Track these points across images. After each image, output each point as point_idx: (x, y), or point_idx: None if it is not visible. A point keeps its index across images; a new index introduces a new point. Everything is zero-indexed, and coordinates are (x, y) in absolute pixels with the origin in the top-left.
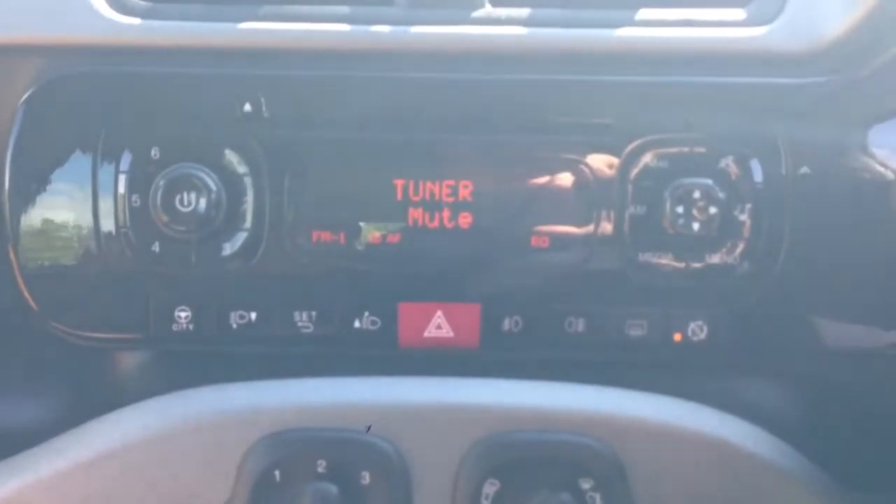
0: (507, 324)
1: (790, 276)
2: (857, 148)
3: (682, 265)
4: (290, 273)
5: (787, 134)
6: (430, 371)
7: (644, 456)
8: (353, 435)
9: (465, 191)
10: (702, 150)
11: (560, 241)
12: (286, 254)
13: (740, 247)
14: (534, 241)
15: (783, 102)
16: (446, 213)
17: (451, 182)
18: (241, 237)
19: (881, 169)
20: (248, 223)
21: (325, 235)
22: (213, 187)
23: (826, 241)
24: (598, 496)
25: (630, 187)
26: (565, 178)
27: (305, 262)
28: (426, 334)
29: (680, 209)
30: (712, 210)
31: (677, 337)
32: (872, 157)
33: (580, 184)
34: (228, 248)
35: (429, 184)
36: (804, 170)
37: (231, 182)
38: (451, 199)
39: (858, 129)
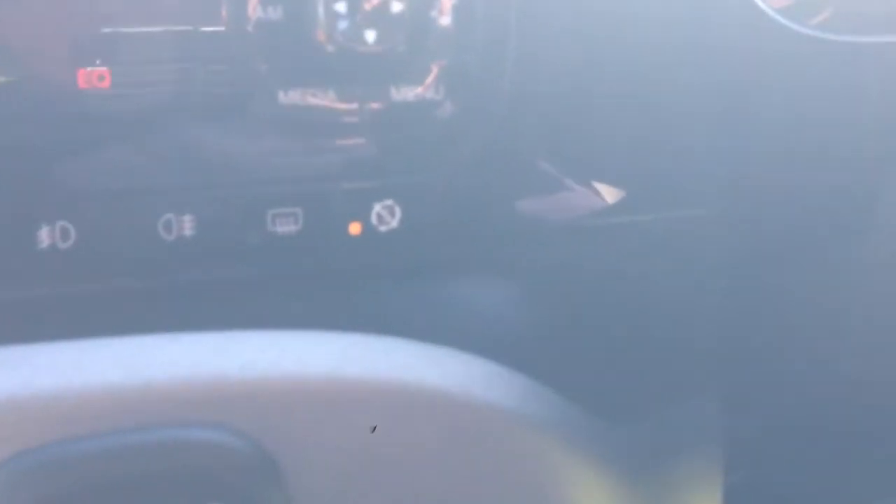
0: (45, 236)
1: (519, 115)
2: None
3: (352, 106)
4: None
5: None
6: None
7: (309, 440)
8: None
9: None
10: None
11: (132, 77)
12: None
13: (441, 68)
14: (82, 77)
15: None
16: None
17: None
18: None
19: None
20: None
21: None
22: None
23: (571, 61)
24: None
25: None
26: None
27: None
28: None
29: (341, 5)
30: (396, 5)
31: (354, 228)
32: None
33: None
34: None
35: None
36: None
37: None
38: None
39: None
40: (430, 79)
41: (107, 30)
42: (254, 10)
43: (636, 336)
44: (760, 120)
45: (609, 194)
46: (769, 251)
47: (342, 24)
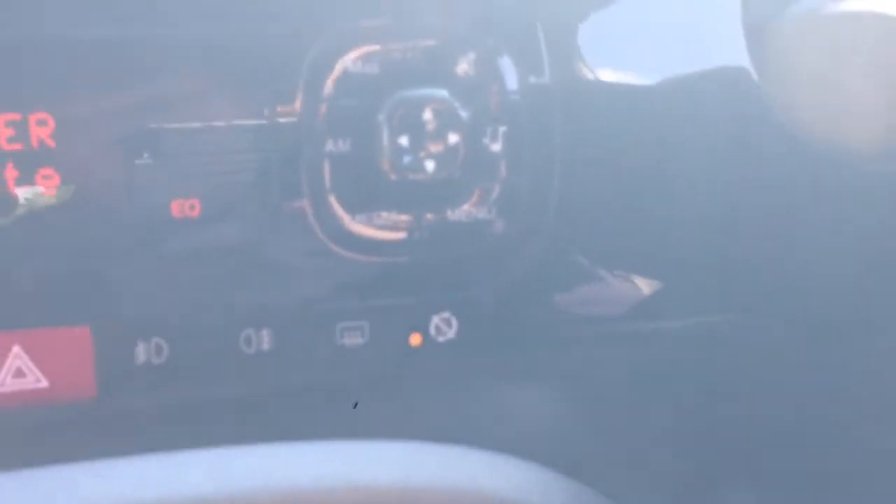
0: (142, 352)
1: (568, 231)
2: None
3: (414, 230)
4: None
5: (551, 16)
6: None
7: None
8: None
9: (43, 130)
10: (430, 43)
11: (218, 207)
12: None
13: (494, 192)
14: (175, 208)
15: None
16: (11, 173)
17: (15, 116)
18: None
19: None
20: None
21: None
22: None
23: (613, 175)
24: None
25: (324, 112)
26: (215, 102)
27: None
28: None
29: (404, 140)
30: (452, 138)
31: (415, 339)
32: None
33: (240, 109)
34: None
35: None
36: (575, 71)
37: None
38: (16, 147)
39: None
40: (483, 200)
41: (199, 167)
42: (327, 143)
43: (683, 440)
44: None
45: (655, 300)
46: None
47: (405, 157)
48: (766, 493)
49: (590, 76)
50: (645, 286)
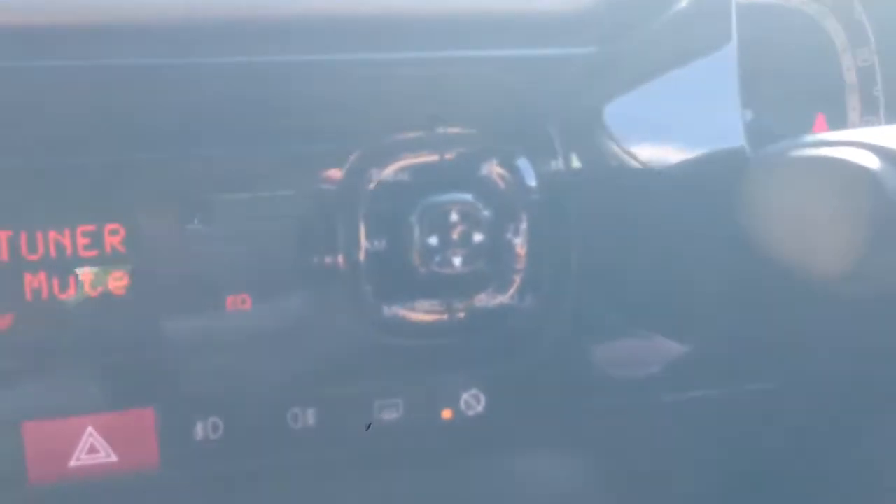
0: (200, 430)
1: (586, 311)
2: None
3: (444, 316)
4: None
5: (560, 118)
6: None
7: None
8: None
9: (114, 238)
10: (456, 153)
11: (268, 300)
12: None
13: (517, 280)
14: (229, 302)
15: (550, 78)
16: (87, 276)
17: (90, 227)
18: None
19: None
20: None
21: None
22: None
23: (627, 255)
24: None
25: (362, 215)
26: (266, 210)
27: None
28: (73, 463)
29: (433, 239)
30: (477, 236)
31: (446, 414)
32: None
33: (289, 216)
34: None
35: (52, 233)
36: (584, 164)
37: None
38: (91, 254)
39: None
40: (506, 287)
41: (249, 265)
42: (365, 243)
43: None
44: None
45: (674, 372)
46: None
47: (435, 255)
48: None
49: (599, 168)
50: (665, 356)
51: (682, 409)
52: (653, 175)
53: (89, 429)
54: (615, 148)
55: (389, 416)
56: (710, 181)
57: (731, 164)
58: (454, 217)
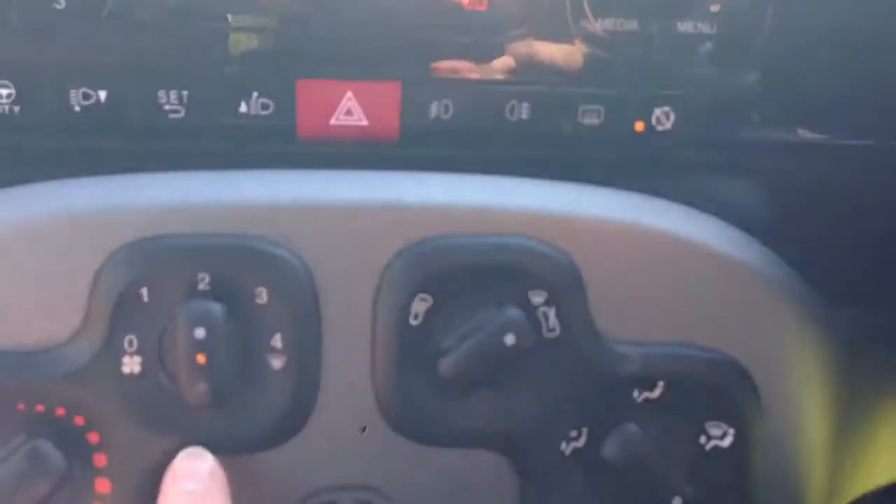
0: (434, 108)
1: (779, 42)
2: None
3: (647, 32)
4: (151, 35)
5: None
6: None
7: (607, 265)
8: (244, 241)
9: None
10: None
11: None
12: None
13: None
14: (468, 0)
15: None
16: None
17: None
18: None
19: None
20: None
21: None
22: None
23: None
24: (551, 312)
25: None
26: None
27: (170, 21)
28: (333, 121)
29: None
30: None
31: (639, 126)
32: None
33: None
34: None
35: None
36: None
37: None
38: None
39: None
40: (706, 17)
41: None
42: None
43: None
44: None
45: None
46: None
47: None
48: None
49: None
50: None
51: None
52: None
53: (349, 93)
54: None
55: (590, 120)
56: None
57: None
58: None
